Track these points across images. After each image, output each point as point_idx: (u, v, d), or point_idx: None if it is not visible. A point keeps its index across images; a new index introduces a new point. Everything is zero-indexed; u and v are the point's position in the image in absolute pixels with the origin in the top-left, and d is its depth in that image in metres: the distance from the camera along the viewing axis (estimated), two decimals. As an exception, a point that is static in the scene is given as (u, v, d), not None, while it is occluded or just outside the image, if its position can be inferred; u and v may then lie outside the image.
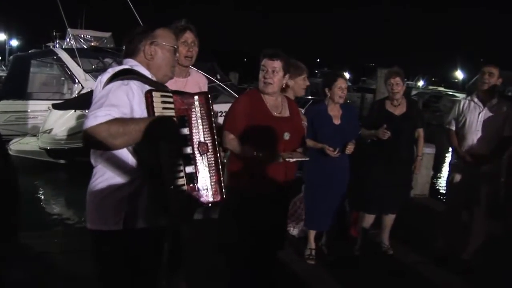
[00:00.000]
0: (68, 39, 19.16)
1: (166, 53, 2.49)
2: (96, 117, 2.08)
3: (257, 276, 3.54)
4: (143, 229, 2.32)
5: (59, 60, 12.11)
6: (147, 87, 2.26)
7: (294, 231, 5.33)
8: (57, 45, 20.19)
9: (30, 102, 11.42)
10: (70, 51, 12.26)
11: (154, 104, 2.17)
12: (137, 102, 2.23)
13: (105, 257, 2.38)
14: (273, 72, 3.42)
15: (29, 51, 17.93)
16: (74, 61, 11.60)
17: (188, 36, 3.60)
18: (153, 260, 2.46)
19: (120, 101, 2.18)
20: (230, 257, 3.58)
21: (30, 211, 7.57)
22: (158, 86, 2.40)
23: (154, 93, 2.20)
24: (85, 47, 16.53)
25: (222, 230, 3.67)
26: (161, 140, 2.15)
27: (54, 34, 25.26)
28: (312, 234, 4.82)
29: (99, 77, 2.42)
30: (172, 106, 2.25)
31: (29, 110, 11.26)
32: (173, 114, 2.24)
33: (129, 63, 2.46)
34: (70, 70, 11.82)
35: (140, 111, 2.23)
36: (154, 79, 2.45)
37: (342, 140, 4.53)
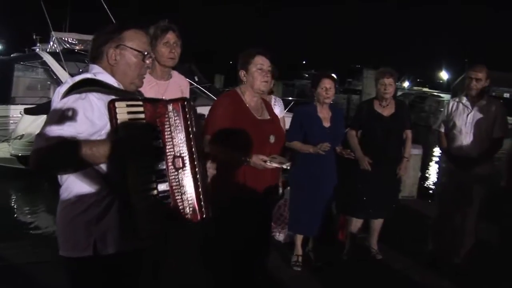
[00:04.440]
0: (52, 42, 18.90)
1: (133, 59, 2.22)
2: (46, 139, 1.92)
3: (241, 284, 3.42)
4: (114, 254, 2.11)
5: (44, 63, 11.88)
6: (112, 97, 2.04)
7: (280, 236, 5.21)
8: (38, 49, 19.90)
9: (15, 107, 11.20)
10: (55, 54, 12.04)
11: (118, 116, 1.96)
12: (97, 116, 2.02)
13: (79, 286, 2.19)
14: (269, 71, 3.34)
15: (11, 55, 17.65)
16: (60, 64, 11.38)
17: (170, 36, 3.47)
18: (128, 284, 2.26)
19: (75, 118, 1.99)
20: (212, 265, 3.46)
21: (4, 221, 7.40)
22: (125, 94, 2.18)
23: (117, 104, 1.97)
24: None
25: (204, 238, 3.55)
26: (125, 160, 1.96)
27: (34, 37, 24.97)
28: (299, 239, 4.70)
29: (58, 88, 2.20)
30: (142, 116, 2.02)
31: (13, 115, 11.04)
32: (143, 125, 2.02)
33: (93, 71, 2.22)
34: (55, 74, 11.60)
35: (102, 126, 2.04)
36: (121, 87, 2.22)
37: (331, 143, 4.40)
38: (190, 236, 4.49)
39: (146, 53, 2.27)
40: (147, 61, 2.30)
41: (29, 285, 4.10)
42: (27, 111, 9.75)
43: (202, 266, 3.77)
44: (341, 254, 4.97)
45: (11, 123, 10.92)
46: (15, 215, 8.19)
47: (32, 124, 9.49)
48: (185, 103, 2.11)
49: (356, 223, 4.95)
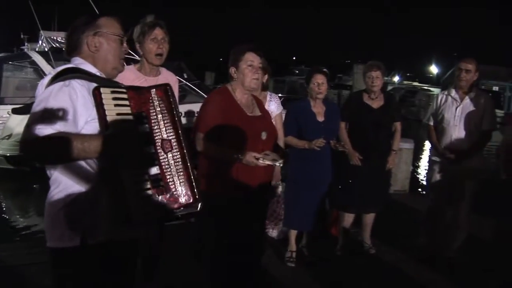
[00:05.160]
0: (40, 41, 18.76)
1: (112, 44, 2.27)
2: (36, 129, 1.92)
3: (236, 282, 3.42)
4: (105, 244, 2.09)
5: (33, 63, 11.77)
6: (95, 85, 2.04)
7: (273, 232, 5.20)
8: (26, 48, 19.77)
9: (4, 107, 11.09)
10: (44, 54, 11.93)
11: (104, 102, 1.96)
12: (82, 103, 2.03)
13: (64, 279, 2.16)
14: (259, 67, 3.33)
15: (0, 55, 17.51)
16: (49, 64, 11.28)
17: (158, 32, 3.47)
18: (121, 275, 2.24)
19: (61, 105, 1.99)
20: (207, 264, 3.46)
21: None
22: (108, 82, 2.20)
23: (102, 90, 1.99)
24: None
25: (198, 237, 3.56)
26: (117, 159, 1.96)
27: (22, 36, 24.80)
28: (293, 235, 4.71)
29: (41, 81, 2.22)
30: (126, 102, 2.04)
31: (3, 116, 10.92)
32: (129, 111, 2.04)
33: (75, 62, 2.25)
34: (45, 74, 11.48)
35: (86, 114, 2.04)
36: (103, 75, 2.25)
37: (326, 138, 4.42)
38: (185, 233, 4.52)
39: (122, 36, 2.33)
40: (125, 44, 2.36)
41: (23, 286, 4.06)
42: (15, 111, 9.64)
43: (197, 263, 3.77)
44: (335, 249, 4.98)
45: (0, 123, 10.82)
46: (6, 216, 8.11)
47: (20, 124, 9.33)
48: (168, 88, 2.18)
49: (348, 218, 4.96)
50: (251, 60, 3.29)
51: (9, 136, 9.42)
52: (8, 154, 9.46)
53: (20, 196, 9.43)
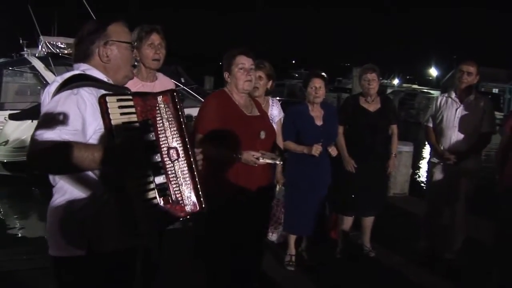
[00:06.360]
0: (40, 47, 18.73)
1: (124, 51, 2.22)
2: (43, 139, 1.87)
3: (235, 285, 3.41)
4: (110, 253, 2.07)
5: (33, 69, 11.74)
6: (103, 92, 2.00)
7: (273, 236, 5.18)
8: (26, 54, 19.74)
9: (3, 112, 11.07)
10: (44, 59, 11.92)
11: (110, 111, 1.92)
12: (90, 112, 1.99)
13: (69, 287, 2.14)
14: (251, 69, 3.34)
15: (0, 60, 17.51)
16: (49, 69, 11.25)
17: (155, 38, 3.49)
18: (122, 282, 2.22)
19: (70, 115, 1.95)
20: (207, 269, 3.45)
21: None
22: (115, 89, 2.16)
23: (108, 98, 1.94)
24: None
25: (198, 240, 3.55)
26: (125, 168, 1.92)
27: (21, 41, 24.75)
28: (292, 239, 4.70)
29: (47, 88, 2.17)
30: (132, 110, 1.99)
31: (3, 121, 10.90)
32: (135, 119, 1.99)
33: (81, 68, 2.18)
34: (44, 79, 11.46)
35: (96, 123, 1.99)
36: (110, 81, 2.20)
37: (325, 141, 4.41)
38: (184, 238, 4.52)
39: (132, 42, 2.30)
40: (134, 50, 2.36)
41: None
42: (12, 117, 9.60)
43: (196, 268, 3.76)
44: (334, 253, 4.97)
45: (0, 129, 10.80)
46: (3, 222, 8.07)
47: (17, 130, 9.31)
48: (174, 94, 2.13)
49: (347, 221, 4.95)
50: (242, 62, 3.31)
51: (6, 142, 9.37)
52: (5, 160, 9.42)
53: (17, 202, 9.38)
